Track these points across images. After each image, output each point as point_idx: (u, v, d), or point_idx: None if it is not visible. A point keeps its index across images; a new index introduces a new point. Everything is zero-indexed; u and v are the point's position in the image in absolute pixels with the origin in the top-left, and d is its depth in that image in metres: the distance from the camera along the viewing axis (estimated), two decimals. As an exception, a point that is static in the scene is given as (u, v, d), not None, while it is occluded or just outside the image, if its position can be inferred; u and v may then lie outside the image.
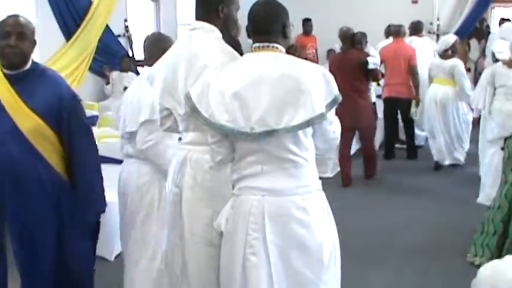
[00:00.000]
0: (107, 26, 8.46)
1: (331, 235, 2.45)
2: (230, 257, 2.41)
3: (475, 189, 5.79)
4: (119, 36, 8.85)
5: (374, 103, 7.41)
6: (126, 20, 9.05)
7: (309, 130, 2.36)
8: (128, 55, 8.79)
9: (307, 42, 10.30)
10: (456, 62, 7.00)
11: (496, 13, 12.19)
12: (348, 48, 6.57)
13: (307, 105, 2.27)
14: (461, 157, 7.29)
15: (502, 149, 4.24)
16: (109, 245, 4.47)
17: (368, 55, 6.57)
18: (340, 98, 2.37)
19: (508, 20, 10.59)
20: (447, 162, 7.28)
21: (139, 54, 9.16)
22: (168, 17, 10.40)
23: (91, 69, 8.33)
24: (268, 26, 2.42)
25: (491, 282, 1.86)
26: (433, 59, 7.59)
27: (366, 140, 6.72)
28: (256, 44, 2.44)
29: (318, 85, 2.32)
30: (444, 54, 7.07)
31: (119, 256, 4.48)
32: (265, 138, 2.29)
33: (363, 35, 6.79)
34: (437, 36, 10.16)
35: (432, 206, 5.76)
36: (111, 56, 8.60)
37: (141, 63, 8.94)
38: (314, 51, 10.70)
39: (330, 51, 10.91)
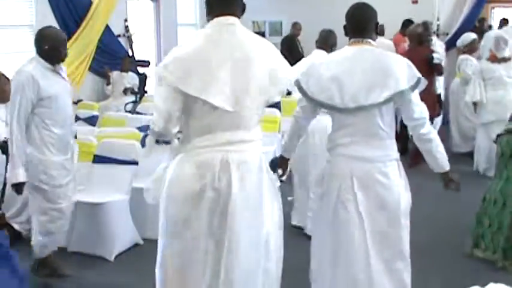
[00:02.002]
0: (107, 26, 8.46)
1: (407, 197, 2.94)
2: (321, 214, 3.00)
3: (473, 187, 5.78)
4: (119, 36, 8.85)
5: (439, 95, 7.61)
6: (126, 20, 9.05)
7: (391, 108, 2.91)
8: (128, 55, 8.78)
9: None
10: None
11: (496, 13, 12.19)
12: (415, 45, 7.06)
13: (391, 86, 2.84)
14: None
15: (495, 142, 4.45)
16: (109, 245, 4.48)
17: (433, 51, 7.03)
18: (424, 81, 2.89)
19: (507, 20, 10.64)
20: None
21: (139, 54, 9.18)
22: (168, 17, 10.40)
23: (91, 69, 8.33)
24: (364, 25, 3.00)
25: None
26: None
27: None
28: (353, 39, 3.01)
29: (402, 71, 2.88)
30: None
31: (119, 256, 4.48)
32: (356, 113, 2.86)
33: (429, 34, 7.51)
34: (437, 36, 10.17)
35: (432, 204, 5.75)
36: (111, 56, 8.59)
37: (141, 63, 8.95)
38: None
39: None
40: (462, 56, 7.61)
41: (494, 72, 6.46)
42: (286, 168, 3.45)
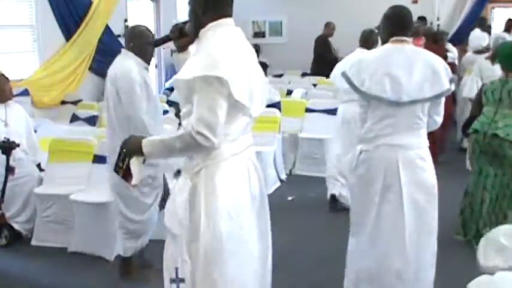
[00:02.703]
0: (107, 26, 8.46)
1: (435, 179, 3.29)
2: (366, 196, 3.25)
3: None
4: (119, 36, 8.85)
5: (454, 92, 7.61)
6: (126, 20, 9.05)
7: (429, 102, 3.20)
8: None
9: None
10: None
11: (496, 13, 12.19)
12: (430, 44, 7.14)
13: (439, 83, 3.17)
14: None
15: (467, 136, 4.80)
16: (109, 245, 4.47)
17: (447, 50, 7.34)
18: (456, 78, 3.18)
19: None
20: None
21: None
22: (168, 17, 10.40)
23: (91, 69, 8.33)
24: (405, 24, 3.29)
25: None
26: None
27: (442, 125, 7.19)
28: (395, 38, 3.25)
29: (443, 70, 3.20)
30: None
31: (119, 256, 4.48)
32: (404, 105, 3.15)
33: (444, 33, 7.87)
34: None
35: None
36: (111, 56, 8.56)
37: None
38: None
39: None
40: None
41: (493, 71, 6.52)
42: None
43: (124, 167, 2.45)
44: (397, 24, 3.30)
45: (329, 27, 10.34)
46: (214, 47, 2.36)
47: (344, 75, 3.35)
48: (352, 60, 3.72)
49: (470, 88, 6.54)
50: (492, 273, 2.09)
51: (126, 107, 3.74)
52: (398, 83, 3.15)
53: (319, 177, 6.51)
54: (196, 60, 2.35)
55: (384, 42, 3.36)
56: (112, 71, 3.92)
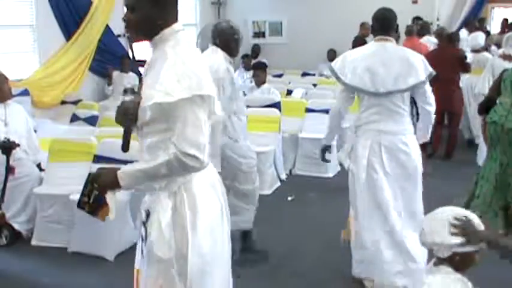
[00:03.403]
0: (107, 26, 8.46)
1: (420, 164, 3.71)
2: (357, 173, 3.72)
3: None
4: (119, 36, 8.84)
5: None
6: (126, 20, 9.04)
7: (408, 92, 3.65)
8: (128, 55, 8.78)
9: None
10: None
11: (496, 13, 12.20)
12: (445, 45, 7.65)
13: (413, 76, 3.60)
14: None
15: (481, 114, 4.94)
16: (109, 245, 4.47)
17: (464, 51, 7.60)
18: (434, 73, 3.68)
19: (506, 20, 10.68)
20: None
21: (139, 54, 9.16)
22: (168, 17, 10.40)
23: (91, 69, 8.33)
24: (388, 25, 3.77)
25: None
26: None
27: (455, 123, 7.53)
28: (379, 36, 3.75)
29: (420, 64, 3.65)
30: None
31: (119, 256, 4.48)
32: (384, 96, 3.60)
33: (457, 34, 8.04)
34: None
35: (431, 202, 5.75)
36: (111, 56, 8.59)
37: (141, 63, 8.94)
38: None
39: (330, 51, 10.91)
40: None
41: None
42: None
43: (91, 201, 2.33)
44: (380, 25, 3.77)
45: (365, 27, 10.45)
46: (189, 60, 2.23)
47: (330, 68, 3.81)
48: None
49: (482, 85, 6.67)
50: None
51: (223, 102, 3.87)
52: (376, 76, 3.61)
53: (319, 177, 6.52)
54: (173, 78, 2.16)
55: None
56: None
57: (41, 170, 5.02)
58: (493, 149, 4.63)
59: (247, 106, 6.91)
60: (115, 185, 2.26)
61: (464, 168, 6.48)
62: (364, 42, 10.49)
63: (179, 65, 2.19)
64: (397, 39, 8.25)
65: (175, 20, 2.35)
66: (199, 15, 11.60)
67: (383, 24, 3.76)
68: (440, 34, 8.35)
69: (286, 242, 4.75)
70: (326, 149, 4.12)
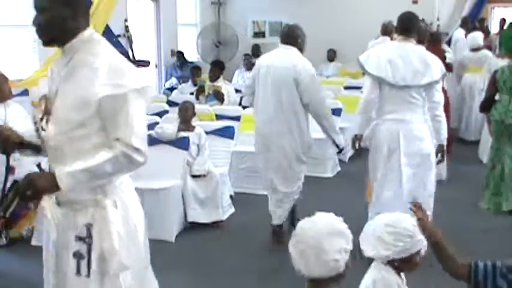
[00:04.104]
0: (107, 26, 8.45)
1: (434, 149, 4.26)
2: (377, 156, 4.25)
3: (474, 189, 5.79)
4: (119, 36, 8.85)
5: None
6: (126, 20, 9.05)
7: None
8: (128, 55, 8.78)
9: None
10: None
11: (496, 13, 12.20)
12: (429, 45, 7.62)
13: (429, 75, 4.12)
14: None
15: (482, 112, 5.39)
16: (109, 245, 4.46)
17: (445, 51, 7.57)
18: (447, 74, 4.50)
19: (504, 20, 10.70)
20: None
21: (139, 54, 9.17)
22: (168, 17, 10.40)
23: (91, 69, 8.32)
24: (409, 28, 4.29)
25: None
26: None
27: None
28: (401, 36, 4.29)
29: (436, 65, 4.19)
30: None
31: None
32: (403, 89, 4.11)
33: (441, 34, 8.25)
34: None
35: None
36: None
37: (141, 63, 8.95)
38: None
39: (330, 51, 10.91)
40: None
41: None
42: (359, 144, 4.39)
43: (7, 215, 2.26)
44: (403, 27, 4.32)
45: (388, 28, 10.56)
46: (119, 57, 2.22)
47: (358, 61, 4.33)
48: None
49: (483, 83, 6.94)
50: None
51: (308, 96, 4.38)
52: (396, 70, 4.12)
53: (319, 177, 6.51)
54: (115, 73, 2.14)
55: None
56: (280, 61, 4.45)
57: (41, 170, 5.01)
58: (494, 141, 5.02)
59: (247, 106, 6.96)
60: (53, 187, 2.11)
61: (464, 166, 6.49)
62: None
63: (114, 62, 2.17)
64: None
65: (87, 24, 2.29)
66: (199, 15, 11.60)
67: (405, 26, 4.30)
68: (424, 34, 8.50)
69: (286, 241, 4.74)
70: (358, 138, 4.35)
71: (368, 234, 2.28)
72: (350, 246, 1.97)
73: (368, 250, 2.26)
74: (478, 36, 8.35)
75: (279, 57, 4.46)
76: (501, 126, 4.89)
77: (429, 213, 3.85)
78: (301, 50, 4.53)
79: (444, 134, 4.24)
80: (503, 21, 11.15)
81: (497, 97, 5.03)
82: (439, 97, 4.20)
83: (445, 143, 4.28)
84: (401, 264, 2.26)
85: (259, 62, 4.65)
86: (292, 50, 4.46)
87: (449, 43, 9.58)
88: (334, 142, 4.73)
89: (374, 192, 4.33)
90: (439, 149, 4.27)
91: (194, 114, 5.47)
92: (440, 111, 4.20)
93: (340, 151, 5.18)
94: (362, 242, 2.29)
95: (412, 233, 2.21)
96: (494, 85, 4.98)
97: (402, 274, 2.34)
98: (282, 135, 4.42)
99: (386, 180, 4.23)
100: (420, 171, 4.19)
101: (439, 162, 4.33)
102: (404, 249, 2.20)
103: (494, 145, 5.04)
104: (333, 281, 1.97)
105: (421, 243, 2.22)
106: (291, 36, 4.52)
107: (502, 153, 4.94)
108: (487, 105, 5.07)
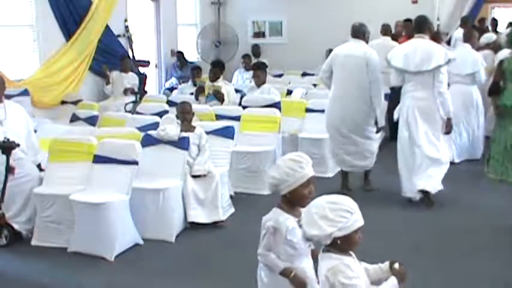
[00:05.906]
0: (107, 26, 8.46)
1: (442, 121, 5.53)
2: (402, 126, 5.69)
3: (475, 190, 5.80)
4: (119, 36, 8.85)
5: None
6: (126, 20, 9.05)
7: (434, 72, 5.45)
8: (128, 55, 8.78)
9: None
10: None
11: (496, 13, 12.20)
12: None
13: (433, 61, 5.38)
14: None
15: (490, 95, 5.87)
16: (109, 245, 4.47)
17: None
18: (453, 59, 5.49)
19: (495, 20, 10.76)
20: None
21: (139, 54, 9.17)
22: (168, 17, 10.40)
23: (91, 69, 8.33)
24: (421, 27, 5.65)
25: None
26: None
27: None
28: (416, 34, 5.65)
29: (441, 54, 5.43)
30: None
31: (119, 256, 4.48)
32: (417, 74, 5.47)
33: (439, 34, 8.57)
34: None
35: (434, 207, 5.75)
36: (111, 56, 8.58)
37: (141, 63, 8.95)
38: None
39: (330, 51, 10.89)
40: (487, 52, 8.14)
41: None
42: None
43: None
44: (416, 26, 5.71)
45: (398, 26, 10.52)
46: None
47: (386, 59, 5.70)
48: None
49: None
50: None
51: (373, 75, 5.69)
52: (409, 60, 5.48)
53: (319, 177, 6.50)
54: None
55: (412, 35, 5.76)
56: (354, 51, 5.77)
57: (41, 170, 5.02)
58: (502, 120, 5.56)
59: (247, 106, 6.96)
60: None
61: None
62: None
63: None
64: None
65: None
66: (199, 15, 11.61)
67: (417, 25, 5.69)
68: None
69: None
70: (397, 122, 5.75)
71: (310, 214, 2.40)
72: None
73: (313, 230, 2.36)
74: (493, 36, 8.57)
75: (354, 48, 5.80)
76: (510, 111, 5.47)
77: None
78: (366, 42, 5.91)
79: (448, 107, 5.41)
80: (493, 21, 11.24)
81: (501, 84, 5.53)
82: (443, 78, 5.41)
83: (451, 115, 5.46)
84: (343, 244, 2.36)
85: (336, 52, 5.98)
86: (362, 43, 5.84)
87: (449, 43, 9.59)
88: (376, 122, 5.80)
89: (398, 142, 5.73)
90: (447, 123, 5.48)
91: (193, 114, 5.47)
92: (444, 89, 5.40)
93: (378, 130, 5.97)
94: (305, 224, 2.42)
95: (352, 210, 2.35)
96: (499, 71, 5.59)
97: (352, 253, 2.45)
98: (357, 101, 5.75)
99: (405, 135, 5.64)
100: (431, 136, 5.50)
101: (446, 133, 5.56)
102: (346, 226, 2.32)
103: (503, 123, 5.52)
104: None
105: (360, 222, 2.36)
106: (360, 32, 5.86)
107: (507, 131, 5.45)
108: (494, 89, 5.69)
